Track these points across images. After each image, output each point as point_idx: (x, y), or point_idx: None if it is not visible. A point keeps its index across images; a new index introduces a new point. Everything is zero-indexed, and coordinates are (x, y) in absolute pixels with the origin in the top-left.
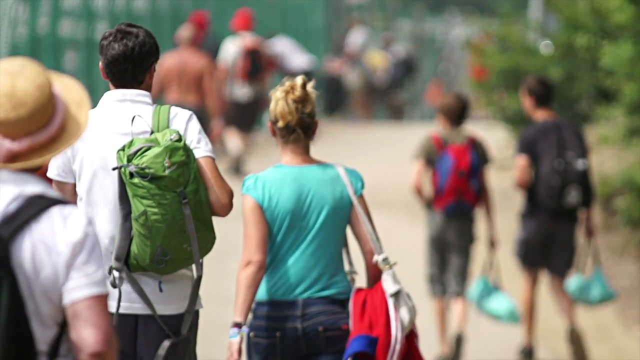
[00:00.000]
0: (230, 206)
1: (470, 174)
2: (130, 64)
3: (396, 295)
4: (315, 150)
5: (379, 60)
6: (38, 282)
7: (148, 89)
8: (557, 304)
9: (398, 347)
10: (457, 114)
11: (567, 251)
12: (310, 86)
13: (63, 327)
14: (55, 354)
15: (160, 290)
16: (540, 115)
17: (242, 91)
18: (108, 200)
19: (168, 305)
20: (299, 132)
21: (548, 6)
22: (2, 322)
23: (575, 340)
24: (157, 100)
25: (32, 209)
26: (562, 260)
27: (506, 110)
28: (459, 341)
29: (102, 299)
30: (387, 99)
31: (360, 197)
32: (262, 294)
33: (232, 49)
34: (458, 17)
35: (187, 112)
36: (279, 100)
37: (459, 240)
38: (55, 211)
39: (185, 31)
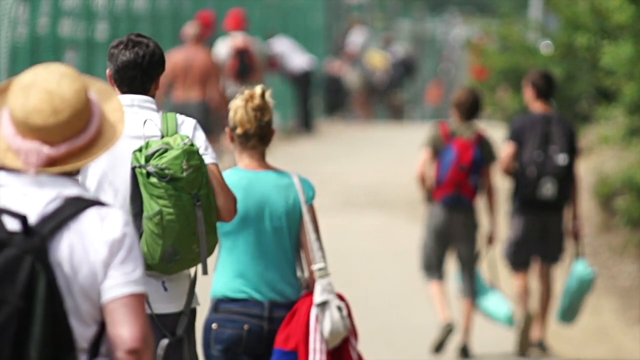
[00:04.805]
0: (235, 212)
1: (471, 169)
2: (139, 71)
3: (322, 305)
4: (316, 150)
5: (378, 60)
6: (77, 280)
7: (153, 97)
8: (540, 289)
9: (318, 357)
10: (468, 108)
11: (556, 242)
12: (268, 95)
13: (103, 326)
14: (96, 353)
15: (165, 289)
16: (537, 108)
17: (232, 91)
18: (117, 200)
19: (172, 303)
20: (257, 140)
21: (548, 6)
22: (39, 314)
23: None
24: (166, 94)
25: (70, 209)
26: (551, 249)
27: (506, 110)
28: (464, 352)
29: (140, 297)
30: (387, 99)
31: (310, 206)
32: (221, 292)
33: (223, 49)
34: (458, 17)
35: (193, 121)
36: (238, 108)
37: (463, 231)
38: (93, 212)
39: (191, 28)
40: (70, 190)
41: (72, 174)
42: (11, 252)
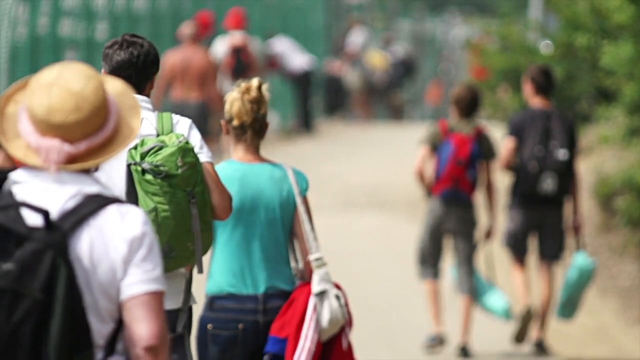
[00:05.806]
0: (230, 210)
1: (468, 163)
2: (134, 71)
3: (321, 294)
4: (316, 150)
5: (378, 60)
6: (96, 277)
7: (148, 97)
8: (541, 287)
9: (308, 344)
10: (467, 104)
11: (556, 238)
12: (264, 88)
13: (120, 323)
14: (112, 350)
15: None
16: (536, 103)
17: (229, 89)
18: None
19: (169, 300)
20: (252, 132)
21: (548, 6)
22: (59, 308)
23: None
24: (164, 95)
25: (90, 206)
26: (551, 246)
27: (506, 110)
28: (464, 352)
29: (159, 295)
30: (387, 99)
31: (304, 198)
32: (217, 288)
33: (220, 48)
34: (458, 17)
35: (188, 120)
36: (235, 100)
37: (460, 226)
38: (113, 209)
39: (187, 28)
40: (91, 187)
41: (90, 172)
42: (32, 246)
